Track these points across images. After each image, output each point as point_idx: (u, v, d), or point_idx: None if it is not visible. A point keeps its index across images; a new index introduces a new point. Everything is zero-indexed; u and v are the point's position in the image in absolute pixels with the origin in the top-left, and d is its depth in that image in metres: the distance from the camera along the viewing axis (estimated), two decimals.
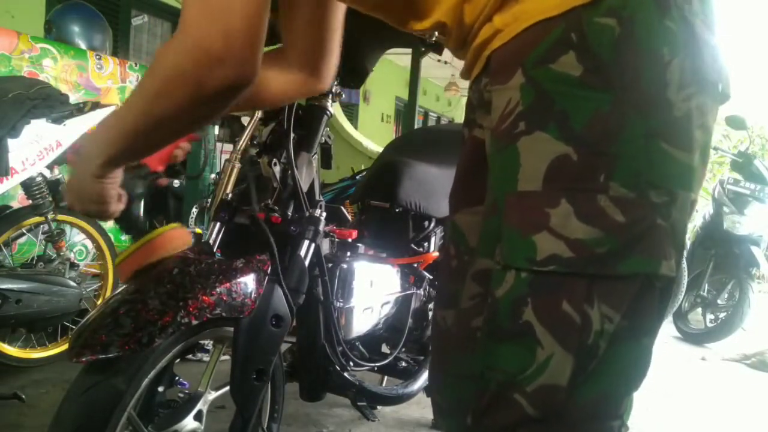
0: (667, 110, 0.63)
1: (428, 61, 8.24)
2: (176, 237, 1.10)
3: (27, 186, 2.25)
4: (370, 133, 8.21)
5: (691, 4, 0.65)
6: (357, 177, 3.25)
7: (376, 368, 1.76)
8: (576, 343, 0.64)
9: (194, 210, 3.95)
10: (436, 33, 0.79)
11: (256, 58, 0.68)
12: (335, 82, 1.37)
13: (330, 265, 1.47)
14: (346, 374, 1.51)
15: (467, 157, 0.87)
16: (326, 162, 1.53)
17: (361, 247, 1.64)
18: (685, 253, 4.59)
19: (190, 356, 2.27)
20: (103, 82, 3.09)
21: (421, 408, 2.27)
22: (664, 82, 0.63)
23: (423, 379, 1.77)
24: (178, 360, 1.16)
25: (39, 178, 2.26)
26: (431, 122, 12.77)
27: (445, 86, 11.06)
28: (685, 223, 0.67)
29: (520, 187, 0.65)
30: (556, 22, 0.64)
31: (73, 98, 2.55)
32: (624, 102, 0.62)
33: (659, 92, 0.63)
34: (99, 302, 2.43)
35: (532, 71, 0.65)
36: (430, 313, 1.92)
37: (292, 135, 1.32)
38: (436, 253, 1.88)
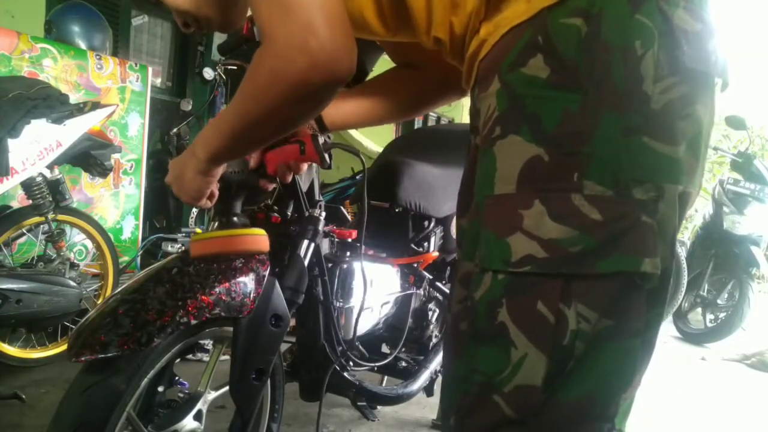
0: (644, 104, 0.63)
1: None
2: (257, 242, 1.13)
3: (27, 186, 2.25)
4: (370, 133, 8.20)
5: None
6: (357, 177, 3.25)
7: (376, 368, 1.76)
8: (550, 343, 0.64)
9: (194, 210, 3.95)
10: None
11: (347, 47, 0.68)
12: None
13: (330, 265, 1.47)
14: (346, 374, 1.51)
15: (469, 164, 0.89)
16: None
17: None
18: (683, 250, 4.60)
19: (189, 356, 2.27)
20: (103, 82, 3.09)
21: (421, 408, 2.27)
22: (639, 76, 0.62)
23: (423, 379, 1.77)
24: (177, 360, 1.16)
25: (39, 178, 2.26)
26: (431, 122, 12.76)
27: None
28: (676, 218, 0.66)
29: (497, 190, 0.66)
30: (526, 27, 0.65)
31: (73, 98, 2.55)
32: (596, 100, 0.62)
33: (634, 86, 0.62)
34: (99, 302, 2.43)
35: (506, 77, 0.66)
36: (430, 313, 1.92)
37: None
38: (436, 253, 1.88)
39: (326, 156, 1.13)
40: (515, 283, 0.64)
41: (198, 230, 3.07)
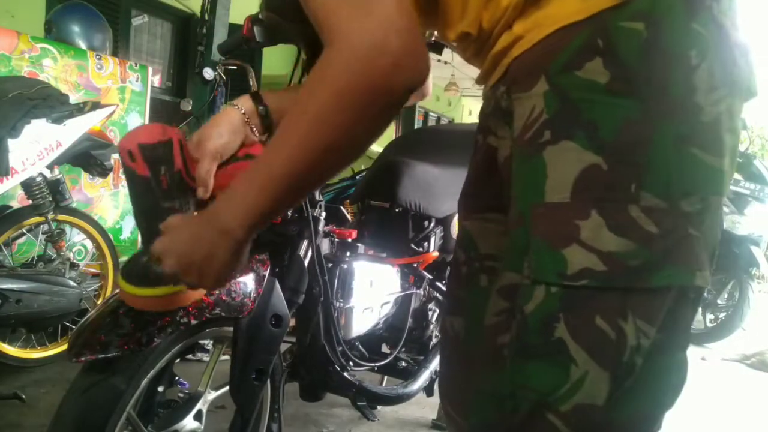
0: (696, 115, 0.61)
1: None
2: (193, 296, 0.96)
3: (27, 186, 2.25)
4: None
5: (719, 3, 0.63)
6: (357, 177, 3.25)
7: (376, 368, 1.76)
8: (612, 360, 0.62)
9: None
10: (457, 42, 0.77)
11: (423, 43, 0.63)
12: None
13: (330, 265, 1.47)
14: (346, 374, 1.51)
15: (479, 164, 0.85)
16: None
17: (361, 247, 1.64)
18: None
19: (190, 356, 2.27)
20: (103, 82, 3.09)
21: (421, 408, 2.27)
22: (692, 87, 0.61)
23: (423, 379, 1.77)
24: (178, 360, 1.16)
25: (39, 178, 2.26)
26: (431, 122, 12.78)
27: (445, 86, 11.06)
28: (718, 229, 0.65)
29: (548, 198, 0.63)
30: (581, 27, 0.62)
31: (73, 98, 2.55)
32: (652, 109, 0.61)
33: (687, 97, 0.61)
34: (99, 302, 2.43)
35: (557, 78, 0.63)
36: (430, 313, 1.92)
37: None
38: (436, 253, 1.88)
39: None
40: (571, 297, 0.62)
41: None
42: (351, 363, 1.54)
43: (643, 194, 0.60)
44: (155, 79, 5.04)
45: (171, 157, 0.77)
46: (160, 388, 1.16)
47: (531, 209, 0.65)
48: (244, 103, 0.92)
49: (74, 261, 2.45)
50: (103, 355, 0.94)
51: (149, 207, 0.78)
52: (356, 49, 0.59)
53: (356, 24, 0.59)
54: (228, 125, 0.89)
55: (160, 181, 0.77)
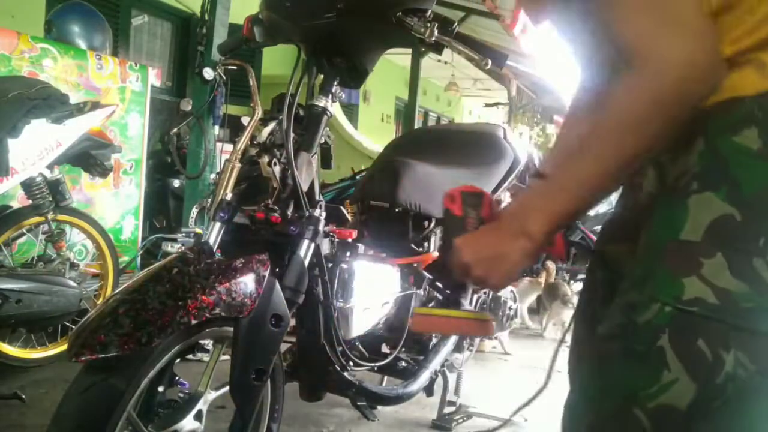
0: None
1: (428, 61, 8.24)
2: (482, 327, 1.11)
3: (27, 186, 2.25)
4: (370, 133, 8.21)
5: None
6: (357, 177, 3.25)
7: (376, 368, 1.76)
8: (703, 376, 0.67)
9: (194, 210, 3.95)
10: None
11: (720, 54, 0.69)
12: (335, 82, 1.37)
13: (330, 265, 1.47)
14: (346, 374, 1.51)
15: (637, 204, 0.90)
16: (326, 162, 1.53)
17: (361, 247, 1.64)
18: None
19: (190, 356, 2.27)
20: (103, 82, 3.09)
21: (421, 408, 2.27)
22: None
23: (423, 379, 1.77)
24: (178, 360, 1.16)
25: (39, 178, 2.26)
26: (431, 122, 12.78)
27: (445, 86, 11.06)
28: None
29: (683, 236, 0.70)
30: (747, 101, 0.69)
31: (73, 98, 2.55)
32: None
33: None
34: (99, 302, 2.43)
35: (714, 139, 0.70)
36: None
37: (291, 135, 1.32)
38: (436, 253, 1.88)
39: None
40: (681, 318, 0.68)
41: (198, 230, 3.06)
42: (351, 363, 1.54)
43: None
44: (156, 79, 5.04)
45: (480, 206, 0.99)
46: (160, 388, 1.16)
47: (666, 243, 0.72)
48: None
49: (74, 261, 2.45)
50: (102, 355, 0.94)
51: (453, 239, 0.96)
52: (668, 67, 0.66)
53: (660, 40, 0.67)
54: None
55: (467, 221, 0.99)
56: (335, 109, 1.67)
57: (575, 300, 3.64)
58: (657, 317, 0.69)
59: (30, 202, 2.29)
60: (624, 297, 0.76)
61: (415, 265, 1.83)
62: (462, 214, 1.00)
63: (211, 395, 1.18)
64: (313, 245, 1.30)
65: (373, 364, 1.70)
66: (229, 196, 1.33)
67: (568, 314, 3.68)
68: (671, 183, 0.75)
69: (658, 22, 0.66)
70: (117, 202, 3.23)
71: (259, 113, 2.82)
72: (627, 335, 0.73)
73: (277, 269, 1.24)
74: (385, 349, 1.87)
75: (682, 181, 0.72)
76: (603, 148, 0.73)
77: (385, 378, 2.12)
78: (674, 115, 0.69)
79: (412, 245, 1.85)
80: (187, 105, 3.47)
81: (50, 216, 2.30)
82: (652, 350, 0.69)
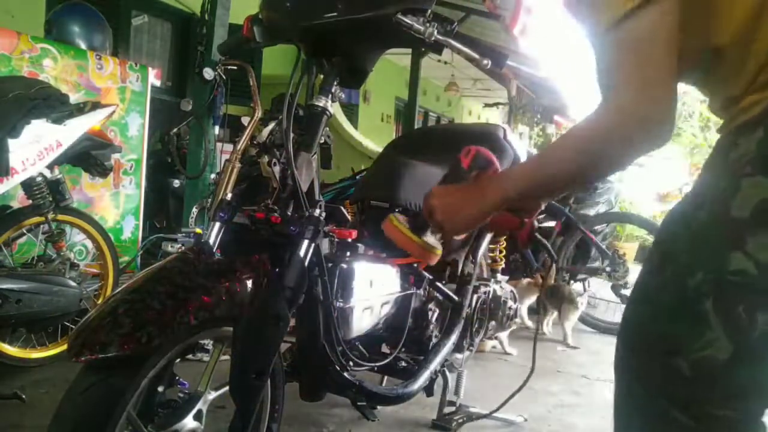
0: None
1: (428, 61, 8.23)
2: (425, 255, 1.28)
3: (27, 186, 2.25)
4: (370, 133, 8.21)
5: None
6: (357, 177, 3.25)
7: (376, 368, 1.76)
8: (741, 337, 0.77)
9: (194, 210, 3.95)
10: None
11: (674, 116, 0.82)
12: (335, 82, 1.37)
13: (330, 265, 1.47)
14: (346, 374, 1.51)
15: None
16: (326, 162, 1.54)
17: (361, 247, 1.64)
18: None
19: (190, 356, 2.27)
20: (103, 82, 3.09)
21: (421, 408, 2.27)
22: None
23: (423, 379, 1.77)
24: (178, 360, 1.16)
25: (39, 178, 2.26)
26: (431, 122, 12.78)
27: (445, 86, 11.06)
28: None
29: (732, 213, 0.79)
30: None
31: (73, 98, 2.55)
32: None
33: None
34: (99, 302, 2.43)
35: None
36: (430, 313, 1.92)
37: (291, 135, 1.32)
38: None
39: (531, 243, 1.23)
40: (724, 285, 0.77)
41: (198, 230, 3.06)
42: (351, 363, 1.54)
43: None
44: (155, 78, 5.05)
45: (485, 170, 1.11)
46: (160, 388, 1.16)
47: (719, 217, 0.81)
48: None
49: (74, 261, 2.45)
50: (103, 355, 0.94)
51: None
52: (622, 114, 0.81)
53: (630, 93, 0.80)
54: None
55: (468, 176, 1.12)
56: (335, 109, 1.67)
57: (579, 300, 3.64)
58: (702, 283, 0.79)
59: (30, 202, 2.29)
60: (678, 261, 0.85)
61: (415, 265, 1.83)
62: (467, 169, 1.11)
63: (211, 395, 1.18)
64: (313, 245, 1.30)
65: (373, 364, 1.70)
66: (229, 196, 1.33)
67: (577, 315, 3.67)
68: (731, 165, 0.83)
69: (632, 80, 0.80)
70: (117, 202, 3.23)
71: (259, 113, 2.82)
72: (678, 299, 0.82)
73: (277, 269, 1.24)
74: (385, 349, 1.87)
75: (739, 164, 0.81)
76: (553, 153, 0.89)
77: (385, 378, 2.13)
78: (615, 155, 0.84)
79: None
80: (187, 105, 3.47)
81: (50, 216, 2.30)
82: (697, 313, 0.78)
